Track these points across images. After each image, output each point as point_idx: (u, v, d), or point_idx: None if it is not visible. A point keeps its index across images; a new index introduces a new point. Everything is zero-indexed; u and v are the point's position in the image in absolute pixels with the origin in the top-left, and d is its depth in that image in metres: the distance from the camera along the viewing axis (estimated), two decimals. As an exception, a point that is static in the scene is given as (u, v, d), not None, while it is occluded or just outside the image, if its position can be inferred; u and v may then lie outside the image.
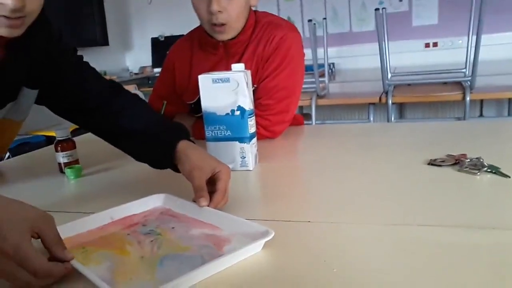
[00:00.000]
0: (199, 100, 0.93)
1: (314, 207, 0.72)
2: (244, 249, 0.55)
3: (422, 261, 0.51)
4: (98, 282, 0.48)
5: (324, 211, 0.69)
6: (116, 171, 1.01)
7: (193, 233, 0.63)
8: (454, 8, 3.41)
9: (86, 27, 4.15)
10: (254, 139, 0.95)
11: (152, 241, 0.61)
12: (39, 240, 0.53)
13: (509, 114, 3.18)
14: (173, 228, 0.65)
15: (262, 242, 0.56)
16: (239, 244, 0.57)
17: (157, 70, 4.16)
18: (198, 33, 1.23)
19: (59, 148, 1.00)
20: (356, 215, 0.66)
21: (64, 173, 0.99)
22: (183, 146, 0.75)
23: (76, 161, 1.02)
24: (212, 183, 0.71)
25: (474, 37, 2.31)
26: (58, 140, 1.01)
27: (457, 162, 0.84)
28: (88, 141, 1.28)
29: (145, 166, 0.83)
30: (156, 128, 0.81)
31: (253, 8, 1.18)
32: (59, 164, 1.01)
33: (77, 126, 0.92)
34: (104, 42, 4.28)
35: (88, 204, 0.80)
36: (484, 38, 2.29)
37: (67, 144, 1.01)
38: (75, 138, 1.07)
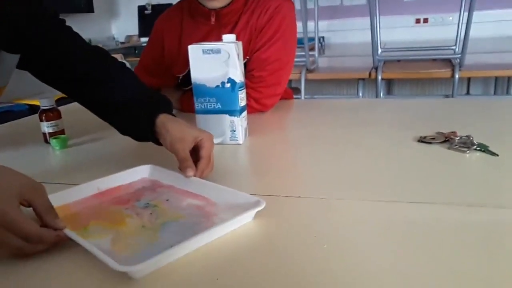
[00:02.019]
0: (189, 72, 0.91)
1: (304, 182, 0.72)
2: (236, 219, 0.55)
3: (410, 238, 0.52)
4: (95, 251, 0.48)
5: (314, 186, 0.69)
6: (102, 142, 0.99)
7: (186, 203, 0.63)
8: (446, -16, 3.37)
9: (70, -8, 4.00)
10: (245, 113, 0.94)
11: (151, 213, 0.61)
12: (31, 209, 0.53)
13: (495, 93, 3.21)
14: (167, 200, 0.65)
15: (253, 212, 0.57)
16: (230, 214, 0.57)
17: (144, 39, 4.07)
18: (188, 2, 1.19)
19: (43, 118, 0.98)
20: (346, 191, 0.66)
21: (49, 143, 0.97)
22: (162, 119, 0.74)
23: (62, 131, 1.00)
24: (196, 151, 0.71)
25: (465, 14, 2.30)
26: (43, 109, 0.98)
27: (447, 139, 0.84)
28: (74, 111, 1.25)
29: (130, 138, 0.82)
30: (137, 101, 0.80)
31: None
32: (44, 134, 0.99)
33: (62, 95, 0.89)
34: (89, 8, 4.14)
35: (74, 175, 0.79)
36: (474, 15, 2.28)
37: (52, 114, 0.98)
38: (60, 108, 1.05)
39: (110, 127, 0.83)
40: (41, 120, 0.98)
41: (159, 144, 0.76)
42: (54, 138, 0.95)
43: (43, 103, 0.98)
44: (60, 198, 0.62)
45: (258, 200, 0.58)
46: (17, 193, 0.50)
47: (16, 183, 0.51)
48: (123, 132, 0.83)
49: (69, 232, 0.52)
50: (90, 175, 0.70)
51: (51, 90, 0.89)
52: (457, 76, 2.30)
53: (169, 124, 0.73)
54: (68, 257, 0.52)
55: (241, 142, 0.92)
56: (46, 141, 0.99)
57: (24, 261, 0.51)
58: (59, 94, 0.91)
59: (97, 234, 0.55)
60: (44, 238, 0.51)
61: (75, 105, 0.90)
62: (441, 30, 3.38)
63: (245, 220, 0.57)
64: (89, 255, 0.48)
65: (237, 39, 0.94)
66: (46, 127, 0.98)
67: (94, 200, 0.65)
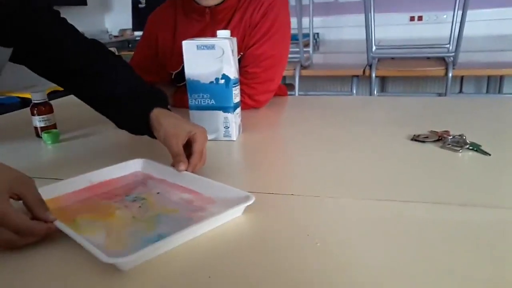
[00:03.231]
0: (182, 69, 0.90)
1: (297, 180, 0.72)
2: (225, 213, 0.55)
3: (403, 237, 0.52)
4: (84, 243, 0.48)
5: (307, 184, 0.69)
6: (95, 137, 0.98)
7: (177, 197, 0.63)
8: (441, -18, 3.38)
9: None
10: (238, 109, 0.93)
11: (140, 206, 0.61)
12: (21, 202, 0.53)
13: (487, 91, 3.23)
14: (158, 193, 0.65)
15: (243, 206, 0.57)
16: (221, 208, 0.57)
17: (138, 33, 4.04)
18: None
19: (35, 112, 0.96)
20: (340, 189, 0.66)
21: (41, 137, 0.96)
22: (156, 113, 0.74)
23: (54, 126, 0.99)
24: (189, 146, 0.71)
25: (459, 12, 2.30)
26: (35, 103, 0.97)
27: (440, 138, 0.84)
28: (67, 105, 1.24)
29: (124, 132, 0.82)
30: (133, 94, 0.80)
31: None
32: (36, 128, 0.98)
33: (54, 88, 0.88)
34: (82, 1, 4.10)
35: (66, 170, 0.78)
36: (469, 13, 2.29)
37: (44, 108, 0.97)
38: (52, 102, 1.03)
39: (103, 122, 0.83)
40: (32, 114, 0.97)
41: (154, 136, 0.76)
42: (46, 133, 0.94)
43: (35, 97, 0.97)
44: (51, 191, 0.62)
45: (248, 195, 0.58)
46: (6, 187, 0.50)
47: (5, 177, 0.51)
48: (119, 125, 0.83)
49: (59, 225, 0.52)
50: (82, 170, 0.69)
51: (43, 83, 0.88)
52: (450, 74, 2.31)
53: (163, 118, 0.74)
54: (58, 249, 0.52)
55: (234, 139, 0.92)
56: (38, 135, 0.98)
57: (14, 253, 0.51)
58: (51, 88, 0.90)
59: (88, 228, 0.55)
60: (35, 230, 0.51)
61: (67, 99, 0.90)
62: (435, 28, 3.38)
63: (234, 215, 0.57)
64: (80, 248, 0.48)
65: (231, 35, 0.93)
66: (38, 121, 0.97)
67: (84, 194, 0.65)
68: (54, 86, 0.87)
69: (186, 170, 0.68)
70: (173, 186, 0.67)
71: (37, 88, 1.01)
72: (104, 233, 0.54)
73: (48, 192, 0.60)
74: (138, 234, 0.53)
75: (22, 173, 0.54)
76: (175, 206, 0.61)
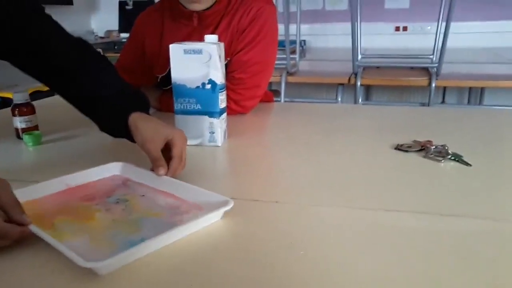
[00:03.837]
0: (169, 73, 0.90)
1: (281, 187, 0.72)
2: (203, 218, 0.55)
3: (386, 246, 0.52)
4: (60, 247, 0.47)
5: (291, 191, 0.69)
6: (77, 139, 0.97)
7: (161, 201, 0.63)
8: (425, -6, 3.44)
9: (49, -17, 3.89)
10: (224, 114, 0.93)
11: (123, 209, 0.60)
12: None
13: (469, 102, 3.29)
14: (143, 196, 0.64)
15: (222, 211, 0.57)
16: (200, 212, 0.57)
17: (124, 35, 4.00)
18: (169, 2, 1.17)
19: (16, 112, 0.95)
20: (324, 197, 0.66)
21: (22, 139, 0.94)
22: (135, 118, 0.74)
23: (35, 127, 0.97)
24: (168, 150, 0.71)
25: (443, 24, 2.35)
26: (16, 103, 0.95)
27: (423, 148, 0.85)
28: (49, 106, 1.22)
29: (107, 135, 0.81)
30: (114, 97, 0.79)
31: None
32: (16, 129, 0.96)
33: (36, 89, 0.87)
34: (68, 1, 4.05)
35: (46, 173, 0.76)
36: (453, 25, 2.33)
37: (26, 109, 0.95)
38: (35, 102, 1.02)
39: (87, 124, 0.82)
40: (13, 115, 0.95)
41: (134, 141, 0.75)
42: (27, 134, 0.92)
43: (17, 98, 0.95)
44: (28, 194, 0.61)
45: (227, 199, 0.58)
46: None
47: None
48: (100, 127, 0.82)
49: (36, 230, 0.51)
50: (62, 173, 0.68)
51: (25, 82, 0.86)
52: (433, 85, 2.34)
53: (140, 123, 0.73)
54: (36, 254, 0.51)
55: (219, 144, 0.91)
56: (19, 137, 0.96)
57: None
58: (33, 87, 0.88)
59: (67, 231, 0.54)
60: (8, 233, 0.50)
61: (51, 100, 0.88)
62: (420, 39, 3.44)
63: (213, 219, 0.57)
64: (58, 252, 0.48)
65: (219, 40, 0.93)
66: (19, 122, 0.95)
67: (62, 196, 0.64)
68: (37, 86, 0.85)
69: (166, 175, 0.67)
70: (153, 190, 0.66)
71: (19, 88, 0.99)
72: (83, 236, 0.53)
73: (25, 194, 0.59)
74: (119, 237, 0.52)
75: None
76: (160, 210, 0.60)
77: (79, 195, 0.65)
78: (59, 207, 0.61)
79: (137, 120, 0.74)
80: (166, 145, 0.71)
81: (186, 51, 0.87)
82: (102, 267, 0.45)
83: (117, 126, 0.76)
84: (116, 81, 0.83)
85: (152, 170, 0.68)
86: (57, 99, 0.86)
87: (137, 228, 0.55)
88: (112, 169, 0.72)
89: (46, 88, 0.86)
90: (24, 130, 0.95)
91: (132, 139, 0.76)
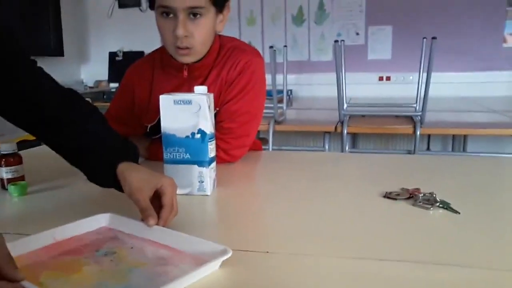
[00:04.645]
0: (158, 122, 0.91)
1: (272, 236, 0.71)
2: (202, 268, 0.54)
3: (379, 297, 0.51)
4: None
5: (282, 241, 0.68)
6: (63, 190, 0.96)
7: (150, 252, 0.61)
8: (406, 46, 3.59)
9: (40, 34, 3.96)
10: (213, 163, 0.93)
11: (111, 260, 0.59)
12: None
13: (452, 149, 3.35)
14: (132, 248, 0.63)
15: (220, 260, 0.55)
16: (196, 263, 0.56)
17: (113, 85, 4.06)
18: (159, 54, 1.20)
19: (3, 163, 0.94)
20: (314, 247, 0.66)
21: (7, 189, 0.92)
22: (122, 168, 0.74)
23: (21, 177, 0.96)
24: (158, 198, 0.70)
25: (425, 75, 2.43)
26: (3, 154, 0.94)
27: (411, 196, 0.86)
28: (35, 156, 1.21)
29: (94, 185, 0.80)
30: (102, 147, 0.79)
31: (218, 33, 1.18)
32: (2, 179, 0.94)
33: (23, 138, 0.86)
34: (59, 52, 4.12)
35: (32, 225, 0.75)
36: (434, 75, 2.42)
37: (12, 159, 0.94)
38: (21, 152, 1.01)
39: (72, 174, 0.81)
40: None
41: (123, 191, 0.75)
42: (13, 185, 0.91)
43: (4, 148, 0.94)
44: (12, 249, 0.59)
45: (224, 248, 0.57)
46: None
47: None
48: (88, 177, 0.81)
49: (27, 284, 0.50)
50: (48, 225, 0.67)
51: (11, 132, 0.86)
52: (418, 132, 2.39)
53: (128, 173, 0.73)
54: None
55: (209, 193, 0.91)
56: (4, 187, 0.94)
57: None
58: (20, 136, 0.88)
59: (56, 286, 0.52)
60: None
61: (38, 149, 0.88)
62: (403, 88, 3.56)
63: (211, 269, 0.55)
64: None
65: (208, 91, 0.95)
66: (5, 173, 0.94)
67: (50, 251, 0.62)
68: (23, 135, 0.85)
69: (157, 224, 0.66)
70: (145, 241, 0.65)
71: (5, 137, 0.98)
72: None
73: (14, 249, 0.57)
74: (104, 286, 0.51)
75: None
76: (147, 261, 0.58)
77: (67, 249, 0.63)
78: (45, 262, 0.59)
79: (125, 170, 0.73)
80: (155, 193, 0.71)
81: (176, 102, 0.88)
82: None
83: (105, 177, 0.76)
84: (104, 131, 0.83)
85: (142, 220, 0.67)
86: (44, 148, 0.86)
87: (123, 278, 0.53)
88: (101, 220, 0.71)
89: (33, 137, 0.86)
90: (10, 181, 0.93)
91: (121, 189, 0.75)
